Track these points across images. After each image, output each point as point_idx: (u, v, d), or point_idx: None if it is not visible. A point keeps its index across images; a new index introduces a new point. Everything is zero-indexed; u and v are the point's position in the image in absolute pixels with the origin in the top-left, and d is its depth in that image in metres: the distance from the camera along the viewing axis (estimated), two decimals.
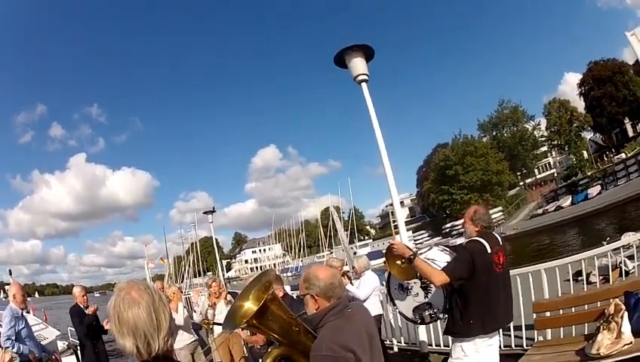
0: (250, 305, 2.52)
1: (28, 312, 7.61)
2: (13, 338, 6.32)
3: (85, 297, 8.04)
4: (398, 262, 4.43)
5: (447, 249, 4.77)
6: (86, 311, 7.77)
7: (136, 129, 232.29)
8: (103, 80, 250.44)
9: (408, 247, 4.38)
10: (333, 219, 70.64)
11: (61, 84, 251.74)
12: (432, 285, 4.42)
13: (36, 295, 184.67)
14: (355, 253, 68.62)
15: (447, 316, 4.42)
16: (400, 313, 4.94)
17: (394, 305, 4.99)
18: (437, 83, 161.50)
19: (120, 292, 1.72)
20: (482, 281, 4.10)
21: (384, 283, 5.82)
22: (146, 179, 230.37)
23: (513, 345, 6.60)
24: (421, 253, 4.57)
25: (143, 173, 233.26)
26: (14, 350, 6.29)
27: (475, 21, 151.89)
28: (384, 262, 4.91)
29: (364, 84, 7.11)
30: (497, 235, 4.52)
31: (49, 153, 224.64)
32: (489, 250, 4.17)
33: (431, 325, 7.09)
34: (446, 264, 4.25)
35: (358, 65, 7.01)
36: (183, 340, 7.78)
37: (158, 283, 12.53)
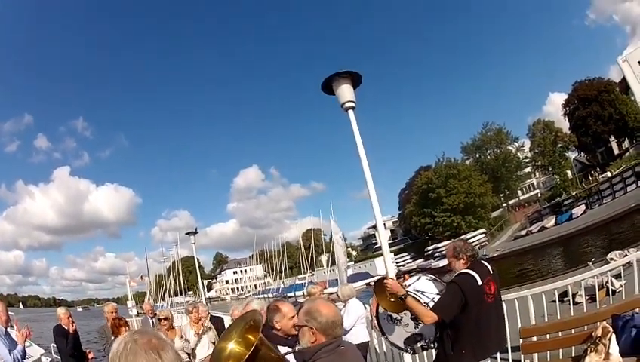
0: (238, 351, 2.29)
1: (11, 327, 6.99)
2: (11, 355, 5.83)
3: (70, 319, 8.05)
4: (388, 296, 4.39)
5: (436, 278, 4.75)
6: (70, 331, 7.91)
7: (120, 145, 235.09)
8: (90, 94, 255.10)
9: (402, 286, 4.33)
10: (332, 243, 69.82)
11: (48, 95, 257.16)
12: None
13: (20, 306, 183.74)
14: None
15: (438, 345, 4.42)
16: (391, 343, 4.90)
17: (384, 335, 4.94)
18: (420, 106, 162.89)
19: (139, 342, 1.46)
20: (473, 314, 4.12)
21: (371, 313, 5.82)
22: (129, 195, 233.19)
23: None
24: (410, 284, 4.63)
25: (126, 190, 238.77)
26: None
27: (459, 43, 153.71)
28: (373, 293, 4.88)
29: (350, 111, 6.87)
30: (487, 264, 4.52)
31: (34, 164, 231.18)
32: (479, 282, 4.19)
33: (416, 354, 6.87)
34: (436, 301, 4.26)
35: (345, 92, 6.80)
36: None
37: (147, 305, 13.43)
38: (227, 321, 10.71)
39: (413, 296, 4.28)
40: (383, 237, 7.30)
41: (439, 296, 4.36)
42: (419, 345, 4.51)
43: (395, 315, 4.65)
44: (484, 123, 75.79)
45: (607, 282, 7.88)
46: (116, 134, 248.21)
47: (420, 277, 4.84)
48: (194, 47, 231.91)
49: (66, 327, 7.90)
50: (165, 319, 8.23)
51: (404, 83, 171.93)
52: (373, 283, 4.57)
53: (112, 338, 7.19)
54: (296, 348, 2.77)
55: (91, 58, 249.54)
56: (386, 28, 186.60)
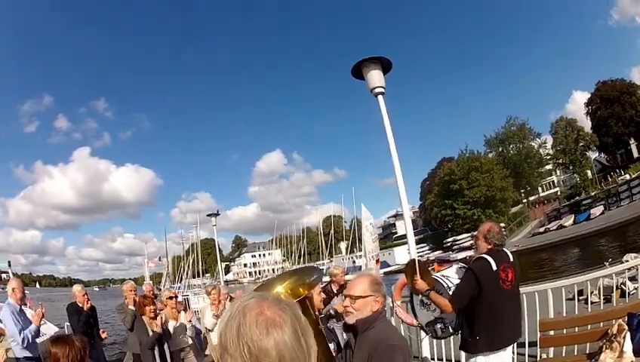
0: (287, 295, 2.42)
1: (25, 305, 7.18)
2: (22, 334, 6.04)
3: (85, 297, 7.94)
4: (416, 276, 4.48)
5: (464, 266, 4.83)
6: (84, 309, 7.77)
7: (142, 126, 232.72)
8: (112, 75, 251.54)
9: (430, 275, 4.55)
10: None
11: (69, 76, 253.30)
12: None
13: (37, 285, 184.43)
14: (353, 262, 68.78)
15: (459, 331, 4.56)
16: (421, 327, 5.14)
17: (416, 318, 5.14)
18: (445, 97, 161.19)
19: (247, 312, 1.18)
20: (488, 299, 4.18)
21: (393, 299, 6.14)
22: (150, 177, 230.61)
23: None
24: (443, 271, 4.90)
25: (147, 171, 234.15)
26: (24, 345, 6.05)
27: (487, 37, 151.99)
28: (405, 276, 4.92)
29: (380, 97, 6.97)
30: (509, 253, 4.59)
31: (53, 145, 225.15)
32: (494, 268, 4.23)
33: (434, 340, 6.94)
34: (454, 289, 4.39)
35: (375, 77, 6.87)
36: (182, 344, 7.74)
37: (147, 285, 12.57)
38: None
39: (438, 280, 4.56)
40: (409, 225, 7.39)
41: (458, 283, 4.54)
42: (438, 326, 4.66)
43: (426, 300, 4.73)
44: (508, 117, 75.80)
45: (622, 283, 7.95)
46: (138, 115, 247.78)
47: (452, 265, 5.08)
48: (219, 30, 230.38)
49: (81, 304, 7.81)
50: (170, 298, 8.22)
51: (428, 73, 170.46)
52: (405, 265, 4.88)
53: (135, 316, 7.24)
54: (354, 319, 2.82)
55: (114, 38, 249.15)
56: (415, 15, 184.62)
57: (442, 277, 4.63)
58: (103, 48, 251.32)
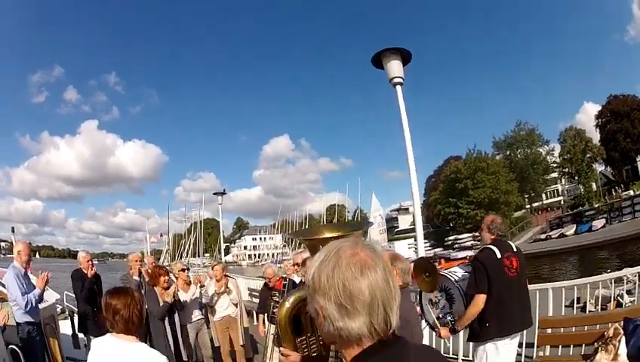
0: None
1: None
2: (24, 298, 5.97)
3: (90, 263, 7.78)
4: (424, 276, 4.34)
5: (468, 265, 4.92)
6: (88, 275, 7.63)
7: (152, 102, 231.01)
8: (125, 50, 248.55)
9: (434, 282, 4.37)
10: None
11: (81, 48, 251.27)
12: (455, 296, 4.66)
13: (36, 255, 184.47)
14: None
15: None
16: (430, 326, 4.94)
17: (424, 316, 4.95)
18: (457, 95, 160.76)
19: (342, 254, 1.22)
20: (495, 287, 4.31)
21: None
22: (156, 153, 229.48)
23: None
24: (446, 271, 4.98)
25: (154, 147, 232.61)
26: (27, 309, 5.98)
27: (504, 39, 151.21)
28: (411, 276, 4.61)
29: (398, 87, 7.15)
30: (513, 244, 4.84)
31: (61, 116, 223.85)
32: (499, 256, 4.43)
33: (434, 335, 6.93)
34: (468, 284, 4.52)
35: (395, 67, 7.05)
36: (193, 316, 7.83)
37: (149, 257, 12.29)
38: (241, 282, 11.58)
39: (445, 276, 4.69)
40: (418, 218, 7.53)
41: (467, 275, 4.66)
42: (448, 319, 4.65)
43: (433, 298, 4.84)
44: (518, 121, 75.69)
45: (619, 295, 8.19)
46: (148, 91, 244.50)
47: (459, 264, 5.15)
48: (235, 10, 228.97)
49: (85, 271, 7.59)
50: (182, 270, 8.34)
51: (441, 70, 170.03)
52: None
53: (139, 285, 7.37)
54: None
55: (127, 13, 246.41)
56: (434, 14, 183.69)
57: (448, 273, 4.80)
58: (116, 22, 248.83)
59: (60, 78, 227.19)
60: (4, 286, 6.82)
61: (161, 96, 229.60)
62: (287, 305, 1.89)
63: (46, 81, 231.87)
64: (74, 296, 8.29)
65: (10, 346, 5.92)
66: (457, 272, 4.81)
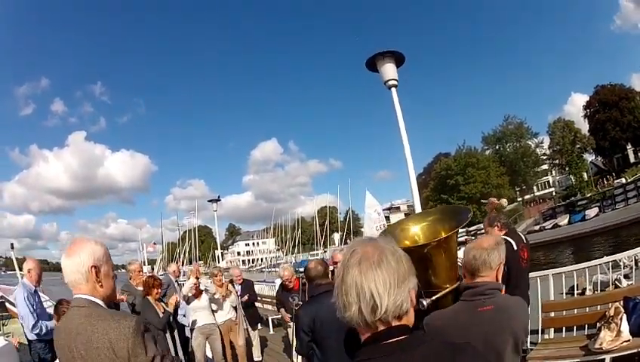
0: (440, 229, 2.44)
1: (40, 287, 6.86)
2: (37, 324, 5.91)
3: None
4: None
5: None
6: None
7: (139, 111, 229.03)
8: (110, 59, 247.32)
9: None
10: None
11: (66, 58, 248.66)
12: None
13: None
14: None
15: None
16: None
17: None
18: (443, 92, 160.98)
19: (354, 249, 1.43)
20: (512, 278, 4.32)
21: None
22: (145, 162, 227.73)
23: None
24: None
25: (142, 157, 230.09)
26: (36, 332, 5.90)
27: (487, 34, 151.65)
28: None
29: (393, 89, 7.25)
30: (522, 235, 4.95)
31: (49, 128, 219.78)
32: (515, 247, 4.52)
33: None
34: None
35: (389, 70, 7.15)
36: (201, 321, 7.95)
37: (174, 265, 12.10)
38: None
39: None
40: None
41: None
42: None
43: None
44: (506, 115, 76.79)
45: (616, 280, 8.21)
46: (135, 100, 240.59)
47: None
48: (219, 16, 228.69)
49: None
50: (214, 275, 8.63)
51: (426, 68, 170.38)
52: None
53: (142, 297, 7.09)
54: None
55: (112, 21, 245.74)
56: (414, 12, 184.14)
57: None
58: (100, 31, 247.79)
59: (46, 90, 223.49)
60: (12, 304, 6.90)
61: (148, 105, 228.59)
62: None
63: (33, 93, 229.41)
64: None
65: None
66: None
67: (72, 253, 2.20)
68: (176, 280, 9.64)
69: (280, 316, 8.90)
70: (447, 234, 2.37)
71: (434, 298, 2.40)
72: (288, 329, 8.06)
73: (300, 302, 6.98)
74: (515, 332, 2.34)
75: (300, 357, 6.99)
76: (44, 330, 5.92)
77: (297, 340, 3.87)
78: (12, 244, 16.81)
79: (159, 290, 6.89)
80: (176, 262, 79.05)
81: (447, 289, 2.50)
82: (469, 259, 2.52)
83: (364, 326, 1.36)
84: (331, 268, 7.35)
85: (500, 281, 2.59)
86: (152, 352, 2.06)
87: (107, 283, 2.25)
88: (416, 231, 2.55)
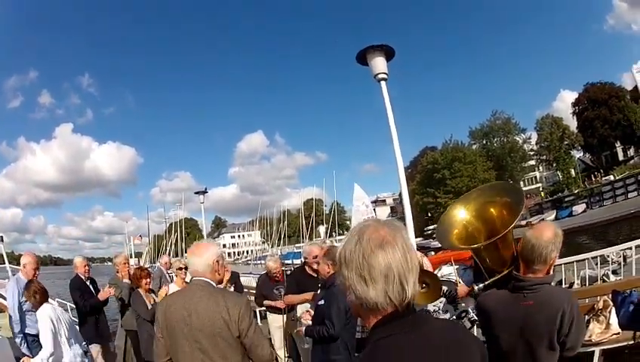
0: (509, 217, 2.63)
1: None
2: (17, 313, 6.16)
3: (87, 268, 7.66)
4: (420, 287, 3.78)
5: (467, 266, 4.94)
6: (87, 283, 7.46)
7: (126, 103, 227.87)
8: (97, 50, 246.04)
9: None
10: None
11: (54, 50, 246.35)
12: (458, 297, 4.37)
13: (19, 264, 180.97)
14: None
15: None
16: None
17: None
18: (430, 86, 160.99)
19: (364, 231, 1.45)
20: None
21: None
22: (131, 154, 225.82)
23: None
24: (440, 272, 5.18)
25: (129, 149, 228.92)
26: (19, 328, 6.14)
27: (476, 29, 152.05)
28: None
29: (383, 83, 7.17)
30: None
31: (36, 120, 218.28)
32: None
33: None
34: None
35: (379, 63, 7.08)
36: None
37: (165, 256, 12.57)
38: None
39: (444, 280, 4.48)
40: (408, 212, 7.46)
41: (462, 271, 4.64)
42: (466, 319, 4.12)
43: (433, 308, 4.63)
44: (494, 110, 76.75)
45: (604, 275, 8.44)
46: (122, 91, 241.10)
47: (441, 268, 5.43)
48: (208, 9, 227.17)
49: (82, 276, 7.46)
50: (181, 269, 7.95)
51: (413, 63, 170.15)
52: None
53: (132, 288, 7.14)
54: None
55: (100, 13, 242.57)
56: (402, 7, 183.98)
57: (444, 276, 4.94)
58: (88, 23, 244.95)
59: (34, 82, 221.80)
60: (4, 298, 7.05)
61: (135, 97, 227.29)
62: None
63: (21, 85, 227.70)
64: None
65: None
66: (450, 274, 4.91)
67: (202, 253, 3.22)
68: (167, 272, 10.01)
69: (264, 308, 8.57)
70: (514, 220, 2.54)
71: (487, 283, 2.77)
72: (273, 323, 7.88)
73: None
74: (551, 330, 2.47)
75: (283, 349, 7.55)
76: (28, 324, 6.12)
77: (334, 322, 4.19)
78: (2, 237, 16.01)
79: (148, 280, 6.89)
80: (168, 254, 79.42)
81: (500, 275, 2.78)
82: (528, 249, 2.57)
83: (388, 307, 1.41)
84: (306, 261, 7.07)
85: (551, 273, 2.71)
86: (252, 321, 3.07)
87: (221, 271, 3.29)
88: (492, 213, 2.81)
